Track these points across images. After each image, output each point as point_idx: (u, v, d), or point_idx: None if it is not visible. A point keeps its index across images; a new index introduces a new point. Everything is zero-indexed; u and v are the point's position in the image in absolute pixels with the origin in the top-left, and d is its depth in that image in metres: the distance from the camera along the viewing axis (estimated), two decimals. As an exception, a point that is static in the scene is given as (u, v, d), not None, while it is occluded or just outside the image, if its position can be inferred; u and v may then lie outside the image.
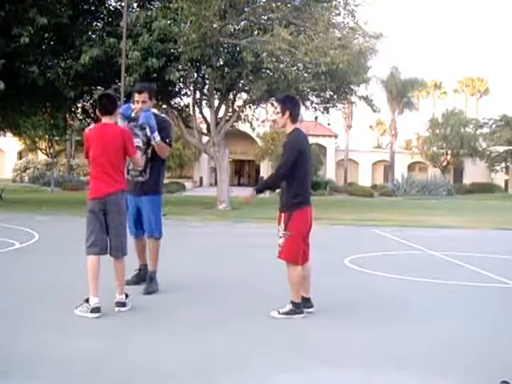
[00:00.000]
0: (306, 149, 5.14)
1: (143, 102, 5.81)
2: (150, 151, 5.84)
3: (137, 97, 5.84)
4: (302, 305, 5.11)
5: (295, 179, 5.03)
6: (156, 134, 5.71)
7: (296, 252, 5.05)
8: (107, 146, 5.10)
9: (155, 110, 6.18)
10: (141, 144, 5.75)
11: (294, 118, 5.17)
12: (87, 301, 4.95)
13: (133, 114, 5.85)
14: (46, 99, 22.11)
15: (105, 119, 5.21)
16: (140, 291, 5.80)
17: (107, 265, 5.17)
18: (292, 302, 5.08)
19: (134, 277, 6.19)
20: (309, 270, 5.27)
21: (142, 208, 5.94)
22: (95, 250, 5.06)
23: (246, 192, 5.13)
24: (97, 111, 5.42)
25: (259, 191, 5.17)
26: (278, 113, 5.21)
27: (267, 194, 38.32)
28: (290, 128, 5.17)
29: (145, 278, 6.09)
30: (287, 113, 5.14)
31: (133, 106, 5.89)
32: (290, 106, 5.19)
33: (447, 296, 6.34)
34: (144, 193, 5.88)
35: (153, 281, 5.96)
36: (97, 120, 26.62)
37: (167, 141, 5.87)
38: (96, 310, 4.89)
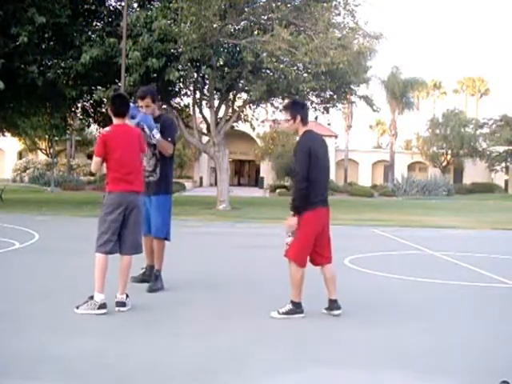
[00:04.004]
0: (317, 149, 5.06)
1: (147, 106, 5.94)
2: (157, 151, 5.96)
3: (140, 102, 5.96)
4: (301, 304, 5.10)
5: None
6: (155, 131, 5.78)
7: (303, 252, 5.04)
8: (128, 147, 5.12)
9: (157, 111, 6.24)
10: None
11: (305, 120, 5.18)
12: (92, 298, 4.97)
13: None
14: (45, 99, 22.10)
15: (117, 121, 5.20)
16: (140, 291, 5.81)
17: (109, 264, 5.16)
18: (292, 302, 5.08)
19: (140, 275, 6.29)
20: (330, 272, 5.20)
21: (150, 207, 6.04)
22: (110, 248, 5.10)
23: (289, 221, 5.04)
24: (108, 110, 5.41)
25: (298, 212, 4.99)
26: (288, 120, 5.17)
27: (267, 193, 38.50)
28: (301, 131, 5.16)
29: (150, 278, 6.15)
30: (298, 117, 5.12)
31: (142, 110, 5.95)
32: (299, 110, 5.18)
33: (447, 296, 6.34)
34: (153, 193, 5.98)
35: (157, 279, 6.05)
36: (97, 120, 26.49)
37: (169, 139, 5.96)
38: (103, 305, 4.94)
